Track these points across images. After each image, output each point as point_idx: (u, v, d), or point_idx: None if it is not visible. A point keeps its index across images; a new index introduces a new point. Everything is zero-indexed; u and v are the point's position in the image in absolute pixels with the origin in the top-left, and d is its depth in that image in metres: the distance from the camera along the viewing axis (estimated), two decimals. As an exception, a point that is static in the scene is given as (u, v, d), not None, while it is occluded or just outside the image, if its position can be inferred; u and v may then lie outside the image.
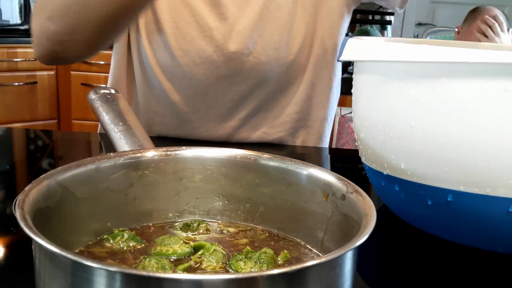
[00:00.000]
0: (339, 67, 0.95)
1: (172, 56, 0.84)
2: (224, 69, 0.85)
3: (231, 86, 0.87)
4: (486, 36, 2.21)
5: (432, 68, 0.48)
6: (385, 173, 0.56)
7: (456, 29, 2.46)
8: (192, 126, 0.91)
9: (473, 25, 2.28)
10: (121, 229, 0.44)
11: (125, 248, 0.42)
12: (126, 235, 0.42)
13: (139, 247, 0.42)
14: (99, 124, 0.97)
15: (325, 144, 0.99)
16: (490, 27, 2.21)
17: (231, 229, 0.46)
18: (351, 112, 0.66)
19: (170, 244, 0.41)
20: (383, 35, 3.16)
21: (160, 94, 0.89)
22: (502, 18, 2.26)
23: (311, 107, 0.93)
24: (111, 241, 0.42)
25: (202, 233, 0.45)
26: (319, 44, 0.89)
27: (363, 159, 0.62)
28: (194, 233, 0.45)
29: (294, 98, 0.91)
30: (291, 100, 0.91)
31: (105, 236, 0.43)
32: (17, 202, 0.33)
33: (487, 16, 2.24)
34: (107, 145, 0.88)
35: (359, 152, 0.63)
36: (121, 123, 0.51)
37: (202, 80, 0.86)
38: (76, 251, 0.41)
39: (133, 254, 0.41)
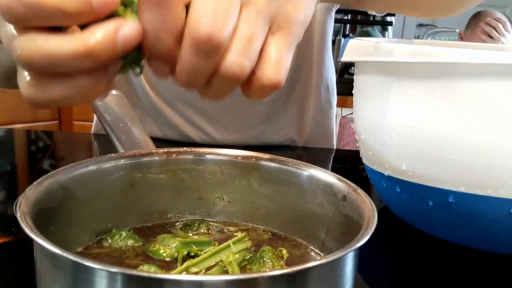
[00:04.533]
0: (329, 61, 0.93)
1: None
2: None
3: (224, 102, 0.86)
4: (491, 37, 2.22)
5: (433, 69, 0.48)
6: (386, 174, 0.56)
7: (459, 34, 2.47)
8: (188, 137, 0.90)
9: (476, 29, 2.29)
10: (120, 229, 0.44)
11: (123, 247, 0.42)
12: (124, 234, 0.42)
13: (137, 245, 0.42)
14: (93, 124, 0.97)
15: (333, 143, 0.98)
16: (494, 28, 2.22)
17: (232, 229, 0.46)
18: (352, 113, 0.66)
19: (169, 245, 0.41)
20: (384, 36, 3.15)
21: (148, 105, 0.89)
22: (504, 18, 2.27)
23: (307, 108, 0.92)
24: (109, 240, 0.42)
25: (203, 233, 0.45)
26: (309, 54, 0.88)
27: (364, 160, 0.62)
28: (194, 233, 0.45)
29: (289, 103, 0.90)
30: (286, 105, 0.90)
31: (103, 236, 0.43)
32: (18, 203, 0.33)
33: (489, 18, 2.24)
34: (101, 146, 0.88)
35: (360, 153, 0.63)
36: (122, 124, 0.51)
37: (188, 95, 0.85)
38: (76, 251, 0.41)
39: (132, 253, 0.41)
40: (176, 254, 0.41)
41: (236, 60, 0.30)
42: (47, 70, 0.29)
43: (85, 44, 0.28)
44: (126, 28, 0.28)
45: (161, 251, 0.41)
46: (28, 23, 0.28)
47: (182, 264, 0.39)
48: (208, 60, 0.30)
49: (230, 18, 0.30)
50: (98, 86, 0.30)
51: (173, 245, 0.41)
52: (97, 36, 0.28)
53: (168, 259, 0.41)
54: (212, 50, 0.29)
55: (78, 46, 0.28)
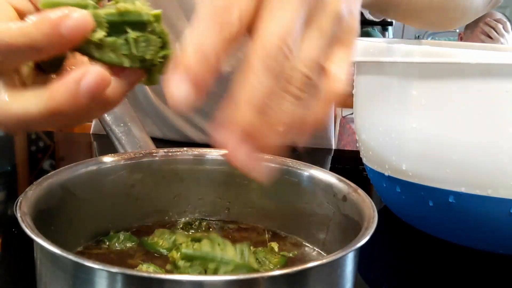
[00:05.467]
0: None
1: None
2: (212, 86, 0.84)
3: (221, 100, 0.86)
4: (491, 38, 2.21)
5: (433, 69, 0.48)
6: (386, 174, 0.56)
7: (459, 34, 2.47)
8: (188, 138, 0.90)
9: (476, 29, 2.29)
10: (116, 230, 0.44)
11: (123, 248, 0.42)
12: (122, 237, 0.42)
13: (136, 246, 0.42)
14: (93, 125, 0.97)
15: (332, 143, 0.98)
16: (493, 28, 2.22)
17: (232, 226, 0.46)
18: (352, 113, 0.66)
19: (167, 240, 0.41)
20: (384, 36, 3.15)
21: (147, 105, 0.89)
22: (504, 19, 2.26)
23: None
24: (107, 243, 0.42)
25: (204, 231, 0.45)
26: None
27: (364, 160, 0.62)
28: (195, 231, 0.45)
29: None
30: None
31: (101, 238, 0.43)
32: (18, 203, 0.33)
33: (489, 19, 2.24)
34: (101, 146, 0.88)
35: (360, 153, 0.63)
36: (122, 124, 0.51)
37: None
38: (76, 251, 0.41)
39: (132, 253, 0.41)
40: (172, 246, 0.41)
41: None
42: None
43: (49, 103, 0.27)
44: (91, 78, 0.27)
45: (160, 243, 0.41)
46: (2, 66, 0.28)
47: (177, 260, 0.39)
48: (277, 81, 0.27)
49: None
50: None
51: (171, 240, 0.41)
52: (59, 92, 0.27)
53: (163, 250, 0.40)
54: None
55: (45, 105, 0.27)
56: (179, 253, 0.38)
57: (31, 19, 0.27)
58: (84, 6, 0.28)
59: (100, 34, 0.28)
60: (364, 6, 0.55)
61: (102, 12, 0.28)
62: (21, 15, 0.31)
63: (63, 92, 0.27)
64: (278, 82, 0.27)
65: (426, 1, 0.62)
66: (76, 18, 0.26)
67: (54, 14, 0.26)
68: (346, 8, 0.30)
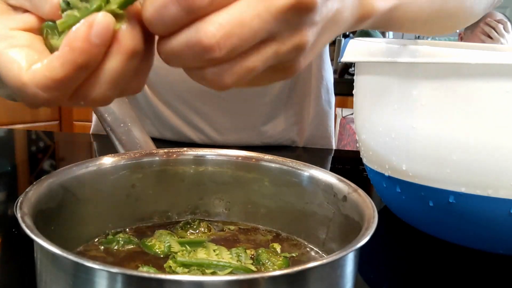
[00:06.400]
0: (328, 61, 0.94)
1: (157, 73, 0.85)
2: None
3: (220, 102, 0.86)
4: (491, 38, 2.21)
5: (433, 69, 0.48)
6: (386, 174, 0.56)
7: (459, 34, 2.47)
8: (188, 138, 0.90)
9: (476, 29, 2.29)
10: (116, 230, 0.44)
11: (123, 250, 0.42)
12: (121, 241, 0.42)
13: (136, 248, 0.42)
14: (92, 125, 0.97)
15: (332, 143, 0.98)
16: (493, 28, 2.22)
17: (232, 227, 0.46)
18: (352, 114, 0.66)
19: (165, 242, 0.41)
20: (384, 36, 3.15)
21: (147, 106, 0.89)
22: (504, 19, 2.27)
23: (307, 109, 0.92)
24: (107, 245, 0.42)
25: (203, 232, 0.45)
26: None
27: (364, 161, 0.62)
28: (195, 232, 0.45)
29: (289, 104, 0.90)
30: (287, 106, 0.90)
31: (101, 240, 0.43)
32: (18, 203, 0.33)
33: (489, 19, 2.24)
34: (101, 146, 0.88)
35: (361, 154, 0.63)
36: (122, 124, 0.51)
37: (187, 96, 0.86)
38: (77, 251, 0.41)
39: (132, 255, 0.41)
40: (169, 251, 0.41)
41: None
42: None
43: (129, 46, 0.28)
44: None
45: (156, 246, 0.41)
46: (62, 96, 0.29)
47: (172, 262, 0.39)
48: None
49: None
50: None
51: (167, 244, 0.41)
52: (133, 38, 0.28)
53: (161, 255, 0.41)
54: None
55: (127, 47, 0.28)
56: (175, 262, 0.39)
57: (63, 45, 0.27)
58: (98, 9, 0.28)
59: (118, 26, 0.28)
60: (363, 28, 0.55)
61: (114, 4, 0.28)
62: (34, 31, 0.31)
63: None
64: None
65: (427, 17, 0.62)
66: (98, 23, 0.27)
67: (79, 30, 0.27)
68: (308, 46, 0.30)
